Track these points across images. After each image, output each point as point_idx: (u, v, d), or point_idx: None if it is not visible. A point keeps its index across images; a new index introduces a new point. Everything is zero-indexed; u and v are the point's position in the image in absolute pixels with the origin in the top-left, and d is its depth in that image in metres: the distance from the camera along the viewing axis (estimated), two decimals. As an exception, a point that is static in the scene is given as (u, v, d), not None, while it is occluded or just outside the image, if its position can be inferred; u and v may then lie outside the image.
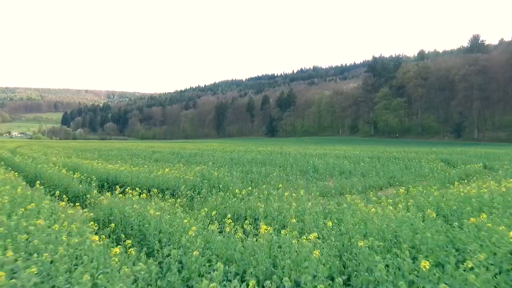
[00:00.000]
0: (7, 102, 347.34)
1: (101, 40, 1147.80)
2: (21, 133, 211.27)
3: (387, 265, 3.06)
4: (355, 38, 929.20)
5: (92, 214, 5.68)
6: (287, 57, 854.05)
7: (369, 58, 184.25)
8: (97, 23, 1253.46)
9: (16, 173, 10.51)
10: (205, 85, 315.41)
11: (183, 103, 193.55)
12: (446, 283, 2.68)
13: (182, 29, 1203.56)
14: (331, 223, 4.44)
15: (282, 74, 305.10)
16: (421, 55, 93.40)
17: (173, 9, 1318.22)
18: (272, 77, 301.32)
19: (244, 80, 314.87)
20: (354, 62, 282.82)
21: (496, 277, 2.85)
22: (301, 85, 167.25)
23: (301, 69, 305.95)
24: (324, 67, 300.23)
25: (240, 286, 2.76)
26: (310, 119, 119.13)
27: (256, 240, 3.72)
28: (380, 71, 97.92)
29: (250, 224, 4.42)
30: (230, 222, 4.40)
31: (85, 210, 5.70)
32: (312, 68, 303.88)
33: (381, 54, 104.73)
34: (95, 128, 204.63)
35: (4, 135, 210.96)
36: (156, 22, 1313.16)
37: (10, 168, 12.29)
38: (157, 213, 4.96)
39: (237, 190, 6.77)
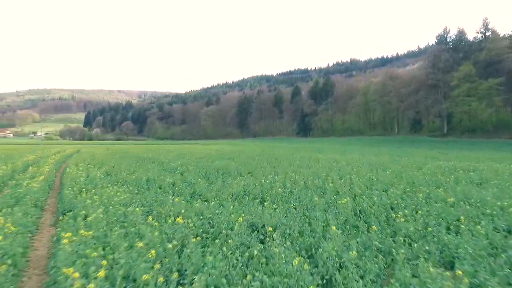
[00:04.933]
0: (39, 103, 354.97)
1: (137, 40, 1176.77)
2: (47, 133, 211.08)
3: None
4: (397, 26, 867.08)
5: None
6: (322, 50, 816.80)
7: (415, 48, 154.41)
8: (133, 25, 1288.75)
9: None
10: (232, 81, 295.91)
11: (205, 99, 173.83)
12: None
13: (212, 27, 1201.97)
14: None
15: (316, 68, 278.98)
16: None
17: (206, 7, 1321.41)
18: (305, 71, 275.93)
19: (274, 75, 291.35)
20: (397, 53, 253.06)
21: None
22: (338, 78, 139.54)
23: (337, 62, 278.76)
24: (362, 60, 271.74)
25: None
26: (354, 113, 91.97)
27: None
28: (457, 43, 69.43)
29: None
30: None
31: None
32: (349, 61, 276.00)
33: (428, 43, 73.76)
34: (115, 128, 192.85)
35: (29, 135, 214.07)
36: (188, 20, 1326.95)
37: None
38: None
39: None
